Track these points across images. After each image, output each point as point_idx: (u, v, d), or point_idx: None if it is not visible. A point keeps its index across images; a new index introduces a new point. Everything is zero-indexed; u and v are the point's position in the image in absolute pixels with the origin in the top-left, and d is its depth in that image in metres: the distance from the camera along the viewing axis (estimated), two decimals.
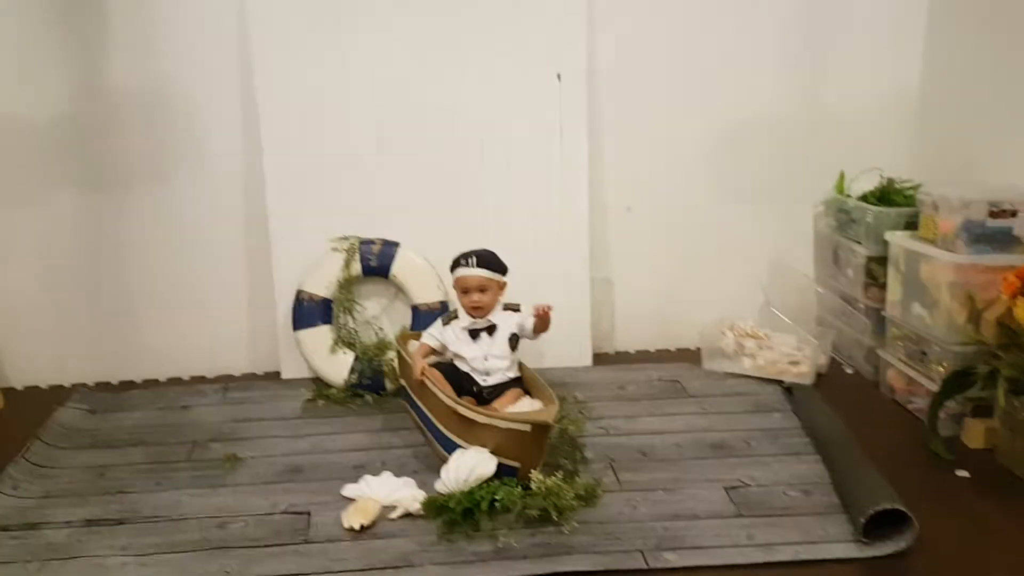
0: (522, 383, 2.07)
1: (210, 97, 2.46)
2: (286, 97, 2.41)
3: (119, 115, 2.45)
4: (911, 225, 2.25)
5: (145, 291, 2.56)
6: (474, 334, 2.07)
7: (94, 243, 2.52)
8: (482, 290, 2.06)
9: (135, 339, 2.58)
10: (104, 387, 2.54)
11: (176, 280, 2.56)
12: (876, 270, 2.37)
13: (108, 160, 2.47)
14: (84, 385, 2.53)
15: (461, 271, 2.09)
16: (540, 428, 1.80)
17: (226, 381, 2.55)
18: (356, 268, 2.42)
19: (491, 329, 2.07)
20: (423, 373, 2.02)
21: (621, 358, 2.68)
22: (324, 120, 2.44)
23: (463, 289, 2.08)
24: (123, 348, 2.58)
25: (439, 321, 2.15)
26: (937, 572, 1.56)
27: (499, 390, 2.03)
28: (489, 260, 2.09)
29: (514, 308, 2.11)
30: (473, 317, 2.08)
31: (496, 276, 2.09)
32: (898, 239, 2.22)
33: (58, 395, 2.42)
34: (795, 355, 2.45)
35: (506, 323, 2.08)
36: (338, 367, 2.40)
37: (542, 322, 2.06)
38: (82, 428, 2.23)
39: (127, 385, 2.55)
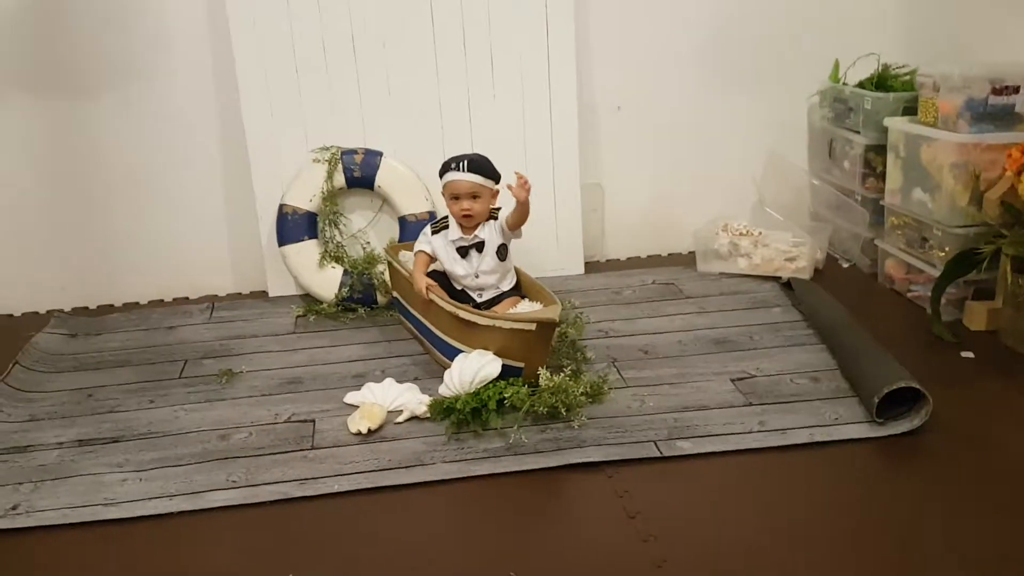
0: (519, 290, 2.00)
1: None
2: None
3: (75, 13, 2.30)
4: (909, 110, 2.20)
5: (117, 211, 2.44)
6: (463, 252, 1.97)
7: (61, 162, 2.39)
8: (474, 196, 1.92)
9: (110, 263, 2.48)
10: (81, 312, 2.44)
11: (150, 198, 2.45)
12: (874, 159, 2.32)
13: (71, 67, 2.32)
14: (60, 311, 2.43)
15: (451, 175, 1.93)
16: (545, 326, 1.76)
17: (211, 301, 2.47)
18: (339, 180, 2.33)
19: (479, 246, 1.96)
20: (428, 290, 1.93)
21: (612, 265, 2.64)
22: (298, 24, 2.31)
23: (453, 196, 1.94)
24: (98, 272, 2.47)
25: (428, 229, 2.03)
26: (953, 449, 1.56)
27: (494, 303, 1.96)
28: (481, 165, 1.94)
29: (492, 216, 1.98)
30: (463, 227, 1.97)
31: (488, 183, 1.94)
32: (898, 124, 2.18)
33: (34, 322, 2.33)
34: (791, 251, 2.42)
35: (492, 236, 1.97)
36: (327, 282, 2.33)
37: (520, 209, 1.91)
38: (64, 352, 2.15)
39: (105, 309, 2.46)
